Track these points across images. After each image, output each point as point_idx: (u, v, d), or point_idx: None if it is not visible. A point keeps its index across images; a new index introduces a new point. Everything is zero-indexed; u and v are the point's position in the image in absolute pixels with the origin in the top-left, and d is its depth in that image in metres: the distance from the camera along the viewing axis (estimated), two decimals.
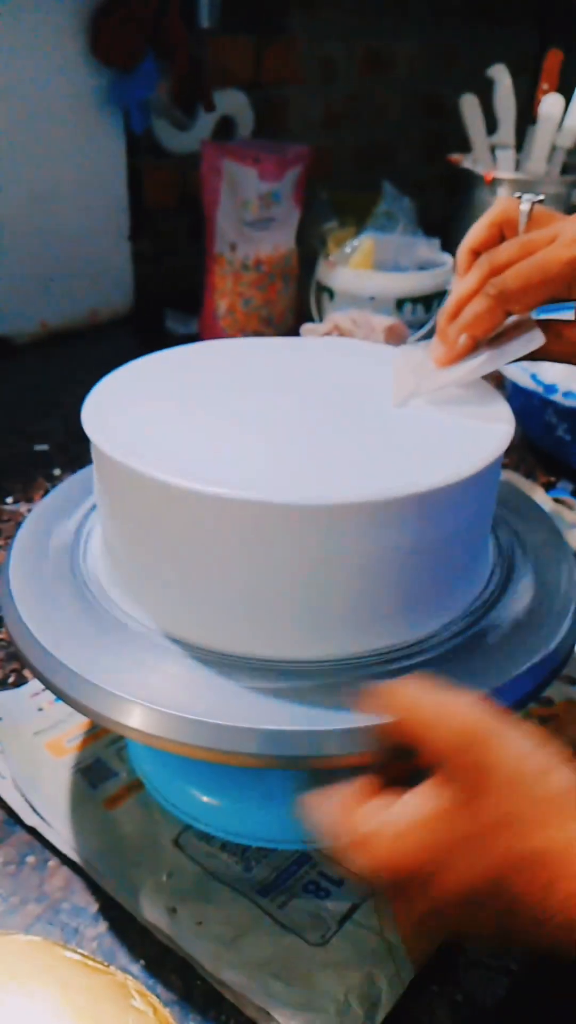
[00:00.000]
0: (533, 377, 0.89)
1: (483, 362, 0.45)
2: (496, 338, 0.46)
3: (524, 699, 0.40)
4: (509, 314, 0.44)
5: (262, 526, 0.37)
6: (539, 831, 0.30)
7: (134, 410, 0.44)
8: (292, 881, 0.44)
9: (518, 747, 0.31)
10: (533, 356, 0.45)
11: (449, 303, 0.46)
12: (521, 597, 0.45)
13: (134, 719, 0.38)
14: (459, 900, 0.31)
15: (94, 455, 0.43)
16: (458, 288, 0.45)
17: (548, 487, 0.84)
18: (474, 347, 0.45)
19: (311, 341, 0.55)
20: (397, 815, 0.32)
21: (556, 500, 0.79)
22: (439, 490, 0.38)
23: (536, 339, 0.44)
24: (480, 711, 0.32)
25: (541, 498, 0.77)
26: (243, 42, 1.27)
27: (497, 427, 0.42)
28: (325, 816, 0.34)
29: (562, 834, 0.30)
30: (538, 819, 0.30)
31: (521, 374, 0.86)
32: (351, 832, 0.33)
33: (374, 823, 0.32)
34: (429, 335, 1.07)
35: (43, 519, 0.49)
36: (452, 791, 0.31)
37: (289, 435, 0.42)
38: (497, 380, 1.05)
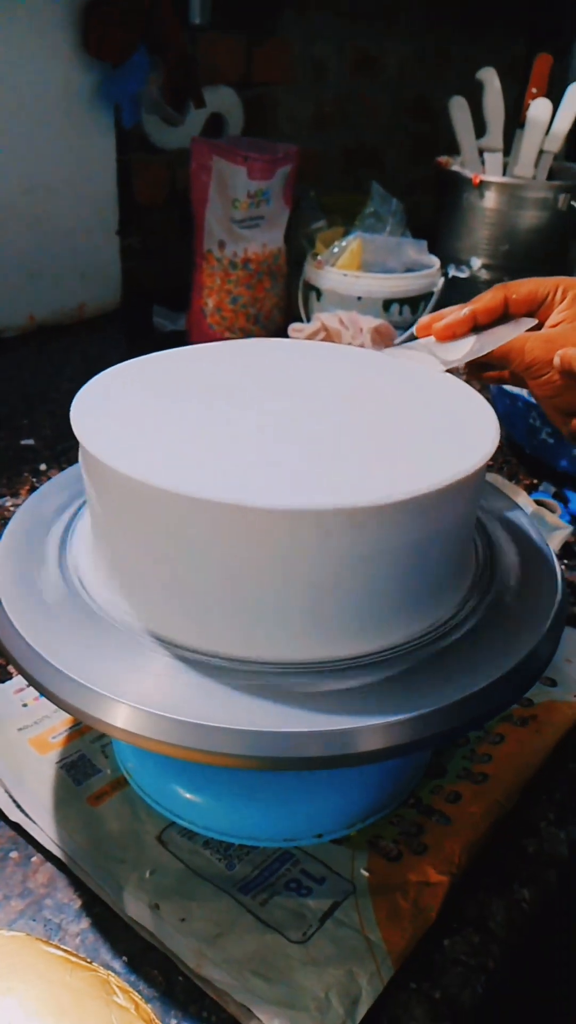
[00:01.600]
0: None
1: (477, 342, 0.51)
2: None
3: (508, 699, 0.40)
4: (509, 316, 0.51)
5: (246, 529, 0.37)
6: None
7: (122, 411, 0.44)
8: (274, 879, 0.45)
9: None
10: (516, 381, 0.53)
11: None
12: (505, 595, 0.45)
13: (119, 719, 0.38)
14: None
15: (81, 456, 0.43)
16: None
17: (531, 489, 0.85)
18: (472, 324, 0.52)
19: (300, 344, 0.55)
20: None
21: (538, 502, 0.80)
22: (426, 495, 0.38)
23: (525, 323, 0.51)
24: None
25: (524, 500, 0.77)
26: (234, 40, 1.27)
27: (481, 434, 0.43)
28: None
29: None
30: None
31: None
32: None
33: None
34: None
35: (31, 516, 0.49)
36: None
37: (276, 439, 0.42)
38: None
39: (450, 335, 0.52)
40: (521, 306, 0.52)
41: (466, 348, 0.50)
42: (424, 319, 0.53)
